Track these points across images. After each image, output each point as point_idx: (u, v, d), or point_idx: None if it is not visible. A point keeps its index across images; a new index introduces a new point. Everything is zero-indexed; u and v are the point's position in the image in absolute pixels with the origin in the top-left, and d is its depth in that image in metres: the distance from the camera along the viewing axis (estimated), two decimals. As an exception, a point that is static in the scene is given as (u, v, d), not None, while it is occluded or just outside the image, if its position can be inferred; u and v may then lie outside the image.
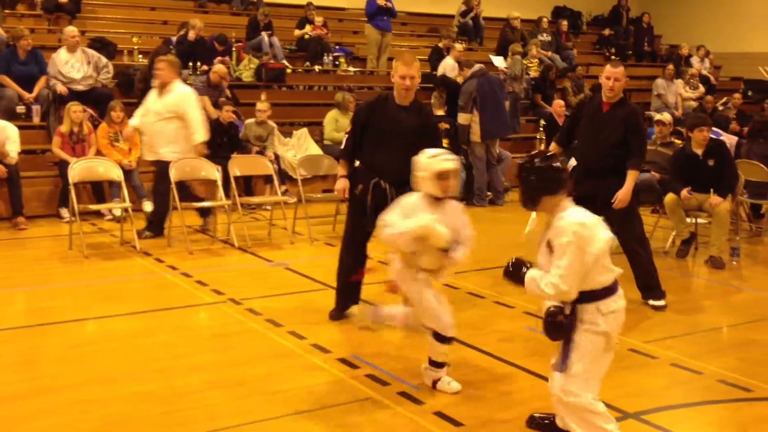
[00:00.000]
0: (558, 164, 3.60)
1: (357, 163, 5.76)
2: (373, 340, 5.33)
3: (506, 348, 5.21)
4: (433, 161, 4.34)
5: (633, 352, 5.20)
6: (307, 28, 14.01)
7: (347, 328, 5.64)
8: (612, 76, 6.06)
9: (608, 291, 3.56)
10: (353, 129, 5.80)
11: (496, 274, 7.16)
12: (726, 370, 4.89)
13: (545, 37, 15.99)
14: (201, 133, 8.24)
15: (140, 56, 12.17)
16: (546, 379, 4.51)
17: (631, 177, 6.05)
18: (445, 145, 10.76)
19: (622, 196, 6.01)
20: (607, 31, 18.35)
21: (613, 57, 17.70)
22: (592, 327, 3.55)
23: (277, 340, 5.33)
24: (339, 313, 5.76)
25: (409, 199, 4.46)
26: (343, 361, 4.92)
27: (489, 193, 11.04)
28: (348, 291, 5.76)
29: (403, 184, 5.27)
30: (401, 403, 4.31)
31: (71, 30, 10.56)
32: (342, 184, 5.72)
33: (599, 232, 3.51)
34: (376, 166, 5.50)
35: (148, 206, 8.83)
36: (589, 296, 3.54)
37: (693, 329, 5.74)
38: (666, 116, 9.45)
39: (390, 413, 4.20)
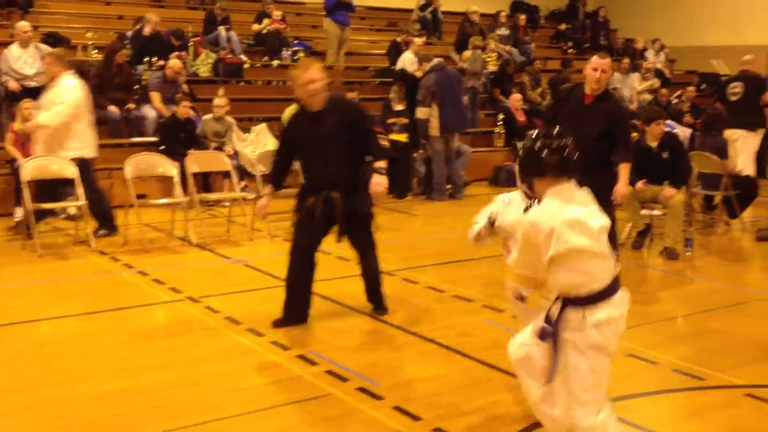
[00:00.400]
0: (555, 145, 3.16)
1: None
2: (332, 336, 5.33)
3: (465, 342, 5.24)
4: None
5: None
6: (265, 22, 13.92)
7: (305, 325, 5.63)
8: (599, 67, 5.97)
9: (596, 297, 3.17)
10: (279, 150, 5.68)
11: (455, 268, 7.22)
12: (681, 360, 4.97)
13: (503, 32, 16.09)
14: (46, 118, 7.79)
15: (95, 52, 11.98)
16: (503, 371, 4.57)
17: (625, 170, 6.09)
18: (404, 139, 11.07)
19: (623, 190, 6.06)
20: (563, 26, 18.52)
21: (569, 51, 17.92)
22: (580, 341, 3.16)
23: (236, 337, 5.30)
24: (283, 323, 5.47)
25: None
26: (302, 357, 4.91)
27: (449, 187, 11.09)
28: (294, 302, 5.51)
29: (353, 192, 5.35)
30: (360, 399, 4.31)
31: (23, 25, 10.38)
32: (262, 202, 5.59)
33: (567, 233, 3.05)
34: (318, 180, 5.38)
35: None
36: (574, 299, 3.17)
37: (648, 319, 5.82)
38: None
39: (349, 409, 4.20)
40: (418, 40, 13.19)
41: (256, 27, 13.98)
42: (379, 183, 5.40)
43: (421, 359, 4.96)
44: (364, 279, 5.80)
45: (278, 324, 5.46)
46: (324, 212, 5.34)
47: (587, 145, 6.03)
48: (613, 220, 6.27)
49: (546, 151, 3.15)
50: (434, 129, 10.84)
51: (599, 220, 3.15)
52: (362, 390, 4.43)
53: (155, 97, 10.92)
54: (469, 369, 4.79)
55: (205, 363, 4.82)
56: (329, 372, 4.69)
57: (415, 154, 11.39)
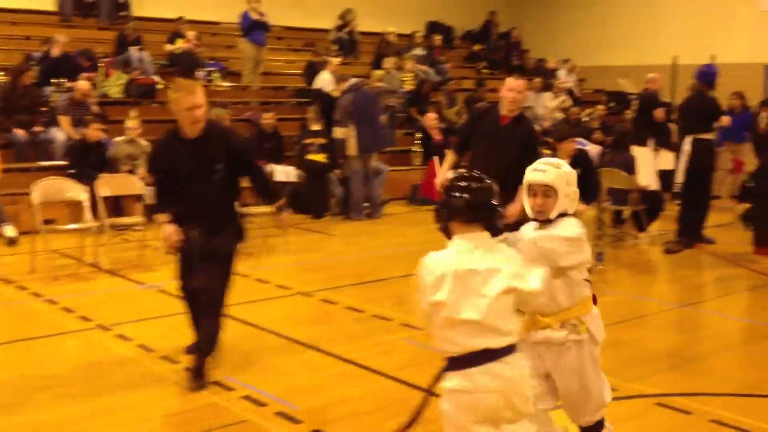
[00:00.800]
0: (466, 188, 2.94)
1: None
2: (249, 361, 5.25)
3: (384, 361, 5.23)
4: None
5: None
6: (179, 42, 13.73)
7: (221, 351, 5.53)
8: (515, 89, 6.04)
9: (455, 362, 2.90)
10: (155, 179, 5.06)
11: (374, 288, 7.23)
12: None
13: (419, 52, 16.27)
14: None
15: (1, 73, 11.58)
16: (422, 389, 4.58)
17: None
18: (322, 159, 11.05)
19: (514, 210, 5.98)
20: (477, 46, 18.86)
21: (484, 70, 18.26)
22: (443, 401, 2.95)
23: (150, 366, 5.16)
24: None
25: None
26: (219, 384, 4.81)
27: (367, 206, 11.11)
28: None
29: (219, 232, 4.77)
30: (279, 424, 4.25)
31: None
32: (169, 229, 4.79)
33: (436, 291, 2.87)
34: (186, 215, 4.77)
35: (9, 231, 8.42)
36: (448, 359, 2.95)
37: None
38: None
39: (267, 434, 4.14)
40: (335, 60, 13.22)
41: (169, 47, 13.77)
42: (282, 220, 5.19)
43: (340, 380, 4.93)
44: (195, 344, 4.99)
45: (191, 350, 5.13)
46: (187, 252, 4.81)
47: (502, 165, 6.14)
48: None
49: (457, 193, 2.93)
50: (352, 149, 10.86)
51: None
52: (281, 414, 4.37)
53: (63, 119, 10.62)
54: (387, 389, 4.79)
55: (117, 393, 4.67)
56: (246, 397, 4.61)
57: (331, 174, 11.38)
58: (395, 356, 5.38)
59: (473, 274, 2.87)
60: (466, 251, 2.91)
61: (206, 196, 4.74)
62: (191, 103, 4.62)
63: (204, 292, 4.79)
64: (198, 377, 4.75)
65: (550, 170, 3.35)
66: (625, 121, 13.42)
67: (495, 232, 2.98)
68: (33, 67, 11.09)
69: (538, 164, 3.41)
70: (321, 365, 5.22)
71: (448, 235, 2.99)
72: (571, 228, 3.29)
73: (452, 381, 2.90)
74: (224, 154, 4.75)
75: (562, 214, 3.33)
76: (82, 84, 10.83)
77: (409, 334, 5.78)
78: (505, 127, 6.14)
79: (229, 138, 4.95)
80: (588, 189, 7.96)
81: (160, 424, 4.23)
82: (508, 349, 2.89)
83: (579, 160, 8.11)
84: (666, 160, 9.77)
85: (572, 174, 3.39)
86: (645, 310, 6.67)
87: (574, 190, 3.38)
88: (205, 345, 4.83)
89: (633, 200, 9.02)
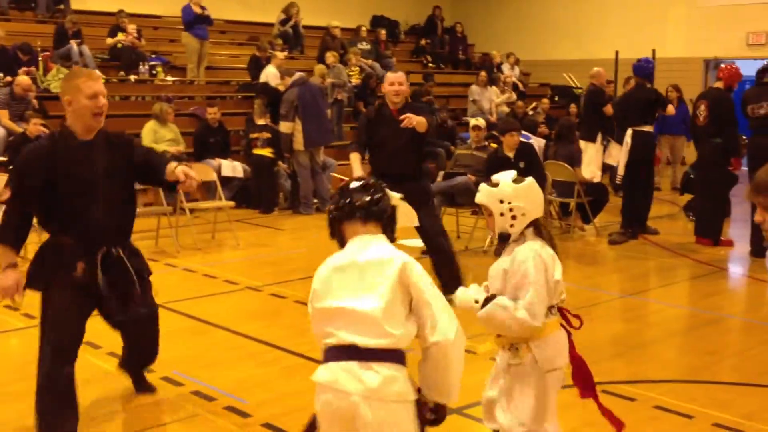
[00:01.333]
0: (357, 192, 2.84)
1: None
2: (197, 355, 5.20)
3: (334, 354, 5.22)
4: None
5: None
6: (120, 36, 13.48)
7: (168, 346, 5.45)
8: (395, 81, 6.28)
9: (325, 353, 2.77)
10: (18, 199, 3.84)
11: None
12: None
13: (365, 46, 16.27)
14: None
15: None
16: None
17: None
18: (268, 154, 10.98)
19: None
20: (423, 41, 18.94)
21: (430, 65, 18.33)
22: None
23: (95, 362, 5.06)
24: None
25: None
26: (167, 379, 4.76)
27: (315, 201, 11.08)
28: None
29: (129, 247, 4.07)
30: (228, 418, 4.22)
31: None
32: (11, 280, 3.82)
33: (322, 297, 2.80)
34: (88, 232, 3.84)
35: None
36: None
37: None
38: (480, 121, 9.86)
39: (217, 429, 4.10)
40: (281, 54, 13.14)
41: (110, 41, 13.51)
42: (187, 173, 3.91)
43: (289, 374, 4.91)
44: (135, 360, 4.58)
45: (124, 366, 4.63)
46: (108, 278, 3.89)
47: (401, 156, 6.19)
48: (439, 226, 6.55)
49: (353, 195, 2.82)
50: (298, 143, 10.80)
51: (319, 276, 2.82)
52: (230, 408, 4.34)
53: (3, 114, 10.37)
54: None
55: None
56: (195, 392, 4.57)
57: (279, 169, 11.32)
58: (345, 349, 5.38)
59: (354, 266, 2.73)
60: (356, 248, 2.78)
61: (108, 211, 3.88)
62: (95, 89, 3.85)
63: (140, 320, 4.20)
64: (147, 387, 4.58)
65: (482, 189, 3.29)
66: (570, 115, 13.64)
67: (391, 236, 2.86)
68: None
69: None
70: (270, 359, 5.20)
71: (342, 242, 2.86)
72: (518, 257, 3.14)
73: (318, 373, 2.74)
74: (123, 160, 3.99)
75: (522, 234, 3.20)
76: (22, 79, 10.59)
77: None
78: (396, 120, 6.16)
79: (127, 145, 4.09)
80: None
81: (107, 422, 4.16)
82: (381, 355, 2.64)
83: (523, 153, 8.24)
84: (616, 153, 9.92)
85: (513, 190, 3.22)
86: (592, 299, 6.78)
87: (516, 206, 3.19)
88: (148, 359, 4.50)
89: (578, 192, 9.17)
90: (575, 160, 9.48)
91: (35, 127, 9.49)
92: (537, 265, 3.12)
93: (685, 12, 16.96)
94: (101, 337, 5.43)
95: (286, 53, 14.01)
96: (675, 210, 11.14)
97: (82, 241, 3.84)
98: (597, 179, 9.91)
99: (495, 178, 3.31)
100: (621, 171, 9.15)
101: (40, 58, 12.23)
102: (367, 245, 2.77)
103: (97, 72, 4.34)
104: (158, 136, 10.76)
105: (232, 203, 9.79)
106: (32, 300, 6.38)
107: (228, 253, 8.54)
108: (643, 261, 8.39)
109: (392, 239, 2.86)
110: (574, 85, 17.59)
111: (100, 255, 3.86)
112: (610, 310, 6.67)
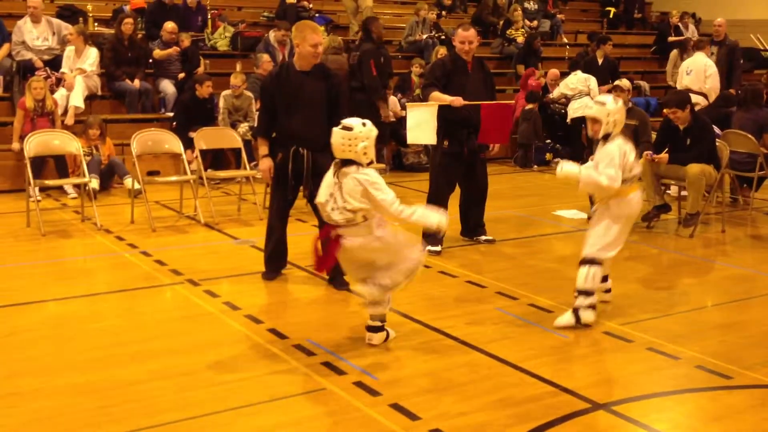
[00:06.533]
0: None
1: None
2: (335, 325, 5.04)
3: (474, 333, 4.91)
4: None
5: (607, 335, 4.92)
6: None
7: (307, 311, 5.37)
8: (466, 40, 6.62)
9: None
10: (264, 103, 5.87)
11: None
12: (705, 355, 4.61)
13: (532, 6, 15.53)
14: None
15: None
16: (508, 363, 4.28)
17: None
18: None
19: None
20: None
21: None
22: None
23: (233, 324, 5.02)
24: (269, 275, 5.93)
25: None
26: (299, 347, 4.62)
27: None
28: (276, 254, 5.92)
29: (321, 150, 5.32)
30: (356, 395, 4.02)
31: (32, 0, 10.11)
32: (267, 164, 5.70)
33: None
34: (292, 133, 5.59)
35: (130, 183, 8.57)
36: None
37: (672, 310, 5.45)
38: (625, 82, 8.84)
39: (343, 406, 3.91)
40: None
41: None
42: None
43: (424, 353, 4.63)
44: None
45: (266, 277, 5.92)
46: (294, 168, 5.60)
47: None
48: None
49: None
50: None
51: None
52: (359, 384, 4.14)
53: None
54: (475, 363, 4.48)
55: (195, 352, 4.55)
56: (326, 364, 4.40)
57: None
58: (487, 327, 5.06)
59: None
60: None
61: (311, 122, 5.54)
62: (316, 41, 5.53)
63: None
64: (341, 282, 5.59)
65: (595, 107, 5.06)
66: (759, 81, 12.38)
67: None
68: (127, 18, 10.91)
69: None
70: (408, 332, 4.93)
71: None
72: (609, 145, 4.98)
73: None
74: (325, 89, 5.66)
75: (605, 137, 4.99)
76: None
77: (504, 304, 5.44)
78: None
79: (333, 78, 5.78)
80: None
81: (230, 390, 4.05)
82: None
83: (695, 129, 7.52)
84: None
85: (615, 108, 4.98)
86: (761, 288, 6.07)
87: (616, 119, 4.99)
88: None
89: (760, 165, 8.24)
90: (765, 126, 8.54)
91: (207, 89, 9.71)
92: (618, 151, 4.91)
93: None
94: (242, 300, 5.43)
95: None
96: None
97: (284, 140, 5.64)
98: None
99: (600, 98, 5.15)
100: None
101: (209, 17, 12.50)
102: None
103: (317, 25, 5.99)
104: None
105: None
106: (180, 256, 6.48)
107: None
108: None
109: None
110: (762, 48, 16.06)
111: (291, 151, 5.58)
112: None
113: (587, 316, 4.99)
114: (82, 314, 5.22)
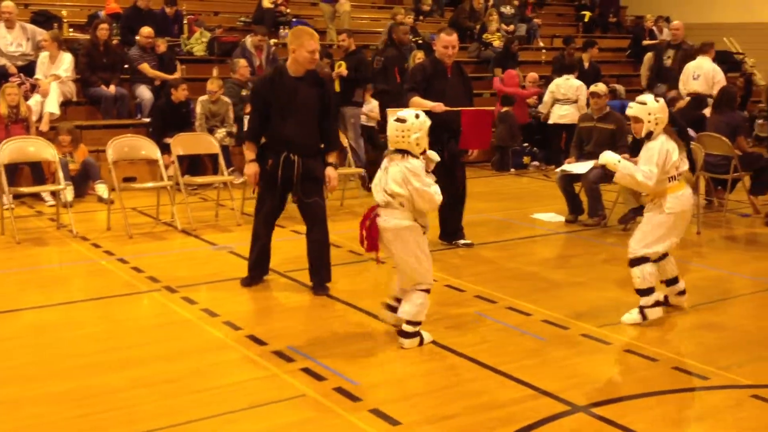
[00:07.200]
0: None
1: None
2: (315, 331, 5.03)
3: (456, 338, 4.93)
4: None
5: (585, 337, 4.96)
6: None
7: (286, 317, 5.36)
8: (449, 45, 6.70)
9: None
10: (255, 107, 5.76)
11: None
12: (683, 357, 4.66)
13: (508, 10, 15.61)
14: None
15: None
16: (488, 367, 4.29)
17: None
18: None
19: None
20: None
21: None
22: None
23: (211, 331, 5.00)
24: (250, 281, 5.90)
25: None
26: (279, 354, 4.61)
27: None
28: (260, 261, 5.90)
29: (313, 156, 5.59)
30: (336, 401, 4.02)
31: (6, 5, 10.05)
32: (253, 169, 5.62)
33: None
34: (284, 138, 5.55)
35: (101, 189, 8.54)
36: None
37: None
38: (601, 87, 8.59)
39: (323, 411, 3.91)
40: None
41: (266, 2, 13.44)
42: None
43: (404, 358, 4.64)
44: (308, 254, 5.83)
45: (246, 283, 5.88)
46: (283, 174, 5.57)
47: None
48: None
49: None
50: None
51: None
52: (339, 390, 4.13)
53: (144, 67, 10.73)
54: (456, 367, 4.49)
55: (174, 360, 4.53)
56: (305, 370, 4.39)
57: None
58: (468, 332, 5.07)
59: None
60: None
61: (302, 127, 5.57)
62: (314, 47, 5.51)
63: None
64: (322, 287, 5.74)
65: (635, 106, 5.13)
66: (733, 82, 12.53)
67: None
68: (102, 24, 10.83)
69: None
70: (390, 339, 4.94)
71: None
72: (651, 143, 5.09)
73: None
74: (318, 95, 5.66)
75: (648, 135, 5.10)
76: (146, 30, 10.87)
77: (484, 308, 5.46)
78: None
79: (326, 85, 5.80)
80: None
81: (214, 396, 4.04)
82: None
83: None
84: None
85: (657, 107, 5.07)
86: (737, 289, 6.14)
87: (658, 117, 5.06)
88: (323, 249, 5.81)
89: (734, 167, 8.34)
90: (740, 129, 8.63)
91: (183, 92, 9.66)
92: (660, 149, 5.01)
93: None
94: (220, 307, 5.41)
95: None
96: None
97: (275, 145, 5.59)
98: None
99: (641, 98, 5.18)
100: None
101: (185, 22, 12.45)
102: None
103: (314, 32, 5.75)
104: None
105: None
106: (156, 264, 6.41)
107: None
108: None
109: None
110: (735, 51, 16.26)
111: (282, 157, 5.53)
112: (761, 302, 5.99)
113: (653, 313, 5.14)
114: (60, 322, 5.18)
